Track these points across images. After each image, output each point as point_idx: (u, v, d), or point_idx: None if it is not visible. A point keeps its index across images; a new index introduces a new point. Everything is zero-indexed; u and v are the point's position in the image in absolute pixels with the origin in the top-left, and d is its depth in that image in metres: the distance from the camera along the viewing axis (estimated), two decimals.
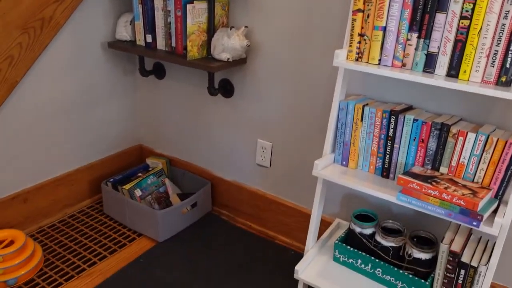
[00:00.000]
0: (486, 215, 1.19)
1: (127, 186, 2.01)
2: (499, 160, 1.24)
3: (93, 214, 2.13)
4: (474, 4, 1.16)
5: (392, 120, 1.39)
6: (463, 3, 1.18)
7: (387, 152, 1.43)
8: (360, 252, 1.53)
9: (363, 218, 1.63)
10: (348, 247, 1.55)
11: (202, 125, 2.14)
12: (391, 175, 1.44)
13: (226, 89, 1.96)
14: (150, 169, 2.22)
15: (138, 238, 1.98)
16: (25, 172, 1.92)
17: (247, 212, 2.11)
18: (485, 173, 1.28)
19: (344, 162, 1.51)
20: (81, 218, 2.10)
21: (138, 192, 2.02)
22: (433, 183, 1.26)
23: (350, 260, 1.56)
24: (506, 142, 1.22)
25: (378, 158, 1.45)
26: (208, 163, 2.20)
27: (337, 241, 1.58)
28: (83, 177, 2.17)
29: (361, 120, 1.44)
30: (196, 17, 1.73)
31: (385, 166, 1.44)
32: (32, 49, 1.76)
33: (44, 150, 1.97)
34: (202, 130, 2.15)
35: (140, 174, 2.14)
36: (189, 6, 1.69)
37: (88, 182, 2.20)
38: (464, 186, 1.26)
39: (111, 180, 2.08)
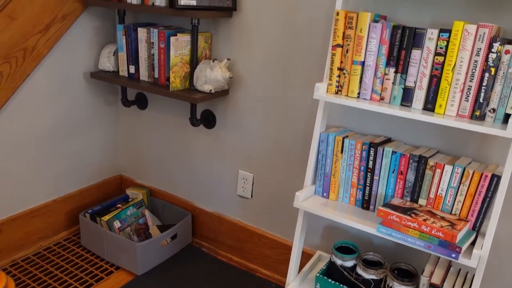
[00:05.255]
0: (464, 247, 1.20)
1: (106, 218, 1.97)
2: (475, 192, 1.27)
3: (69, 247, 2.08)
4: (448, 42, 1.21)
5: (372, 152, 1.41)
6: (437, 40, 1.23)
7: (367, 184, 1.44)
8: (341, 285, 1.52)
9: (344, 250, 1.62)
10: (330, 280, 1.54)
11: (184, 155, 2.13)
12: (371, 207, 1.45)
13: (208, 120, 1.97)
14: (130, 200, 2.19)
15: (116, 271, 1.93)
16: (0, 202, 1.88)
17: (228, 244, 2.08)
18: (462, 205, 1.30)
19: (325, 194, 1.52)
20: (57, 251, 2.04)
21: (117, 224, 1.99)
22: (412, 215, 1.28)
23: None
24: (482, 174, 1.25)
25: (358, 190, 1.47)
26: (189, 194, 2.18)
27: (318, 274, 1.57)
28: (60, 208, 2.12)
29: (341, 152, 1.46)
30: (179, 49, 1.76)
31: (365, 197, 1.45)
32: (13, 79, 1.75)
33: (20, 180, 1.93)
34: (183, 160, 2.14)
35: (119, 205, 2.11)
36: (172, 39, 1.72)
37: (66, 213, 2.15)
38: (443, 218, 1.27)
39: (89, 211, 2.04)
